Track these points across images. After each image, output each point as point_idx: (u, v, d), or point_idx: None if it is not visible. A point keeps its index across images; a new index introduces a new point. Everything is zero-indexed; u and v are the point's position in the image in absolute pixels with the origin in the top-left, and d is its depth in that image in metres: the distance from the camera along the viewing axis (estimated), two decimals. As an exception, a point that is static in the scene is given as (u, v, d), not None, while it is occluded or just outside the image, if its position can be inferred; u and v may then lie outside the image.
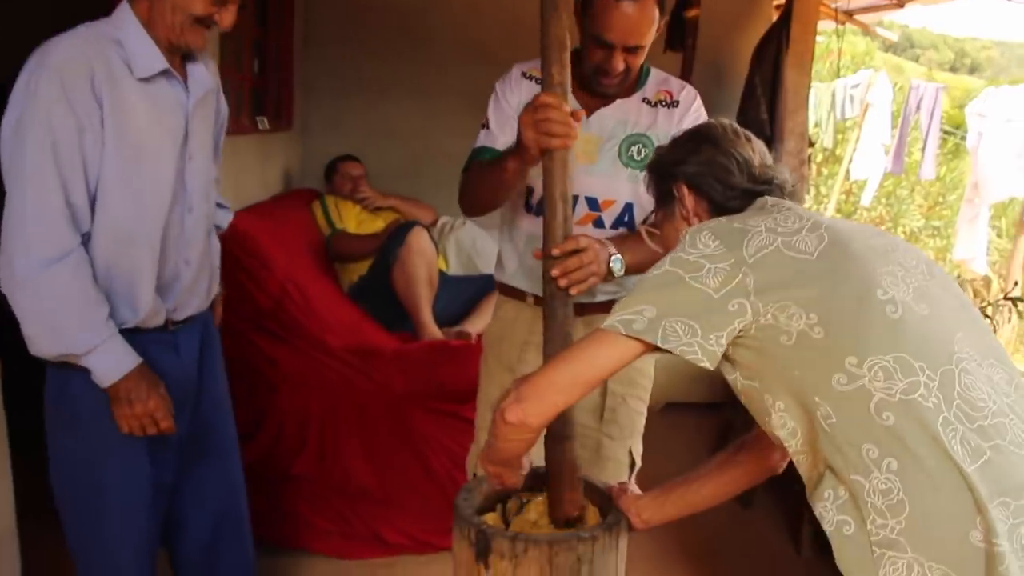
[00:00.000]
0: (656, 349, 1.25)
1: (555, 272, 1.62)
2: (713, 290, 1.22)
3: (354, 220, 3.74)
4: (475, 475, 2.07)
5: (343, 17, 4.51)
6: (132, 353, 1.67)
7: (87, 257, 1.62)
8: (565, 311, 1.65)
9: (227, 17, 1.67)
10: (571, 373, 1.31)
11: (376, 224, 3.74)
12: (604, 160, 1.93)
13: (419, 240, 3.37)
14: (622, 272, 1.75)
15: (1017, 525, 1.09)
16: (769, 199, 1.40)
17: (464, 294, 3.55)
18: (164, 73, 1.68)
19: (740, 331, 1.23)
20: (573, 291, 1.64)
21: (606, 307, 1.91)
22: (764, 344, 1.23)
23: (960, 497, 1.10)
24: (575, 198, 1.92)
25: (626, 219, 1.95)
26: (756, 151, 1.46)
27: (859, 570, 1.15)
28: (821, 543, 2.93)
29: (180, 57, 1.74)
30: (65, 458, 1.76)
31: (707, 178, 1.43)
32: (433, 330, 3.25)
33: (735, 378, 1.30)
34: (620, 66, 1.85)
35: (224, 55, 3.21)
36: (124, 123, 1.61)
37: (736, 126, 1.51)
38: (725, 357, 1.26)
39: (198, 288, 1.88)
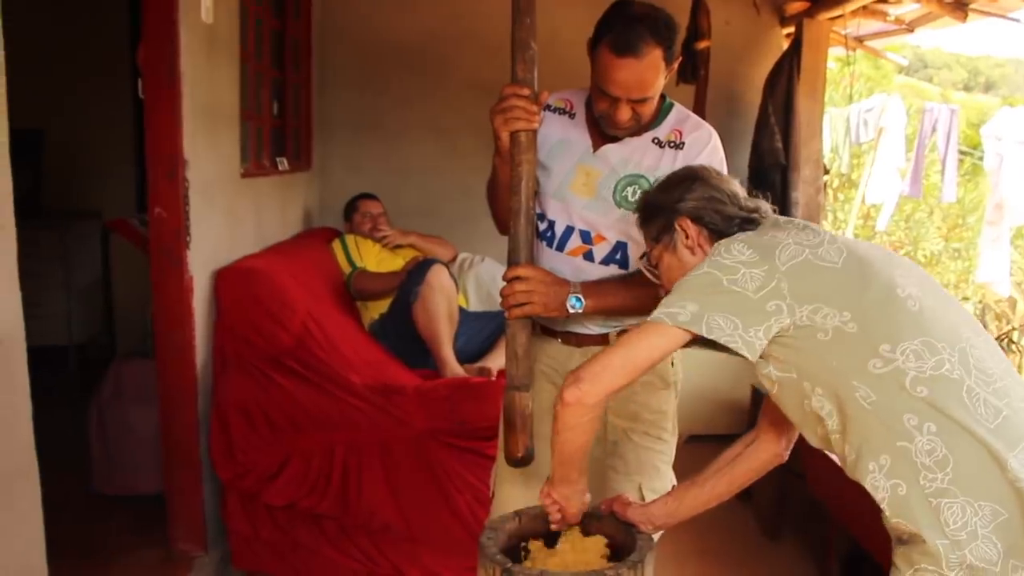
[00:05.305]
0: (699, 340, 1.42)
1: (501, 292, 1.83)
2: (751, 292, 1.39)
3: (374, 258, 3.77)
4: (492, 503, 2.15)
5: (359, 57, 4.60)
6: None
7: None
8: (513, 330, 1.84)
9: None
10: (623, 357, 1.46)
11: (396, 262, 3.77)
12: (600, 197, 1.94)
13: (439, 277, 3.38)
14: (580, 311, 1.85)
15: None
16: (781, 217, 1.60)
17: (485, 330, 3.55)
18: None
19: (779, 331, 1.39)
20: (508, 314, 1.83)
21: (600, 339, 2.00)
22: (802, 342, 1.39)
23: (989, 447, 1.29)
24: (570, 228, 1.97)
25: (618, 256, 1.96)
26: (737, 187, 1.66)
27: (923, 520, 1.30)
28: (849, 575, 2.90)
29: None
30: None
31: (707, 211, 1.60)
32: (454, 367, 3.25)
33: (768, 372, 1.45)
34: (626, 116, 1.84)
35: (244, 97, 3.28)
36: None
37: (716, 168, 1.74)
38: (759, 355, 1.42)
39: None
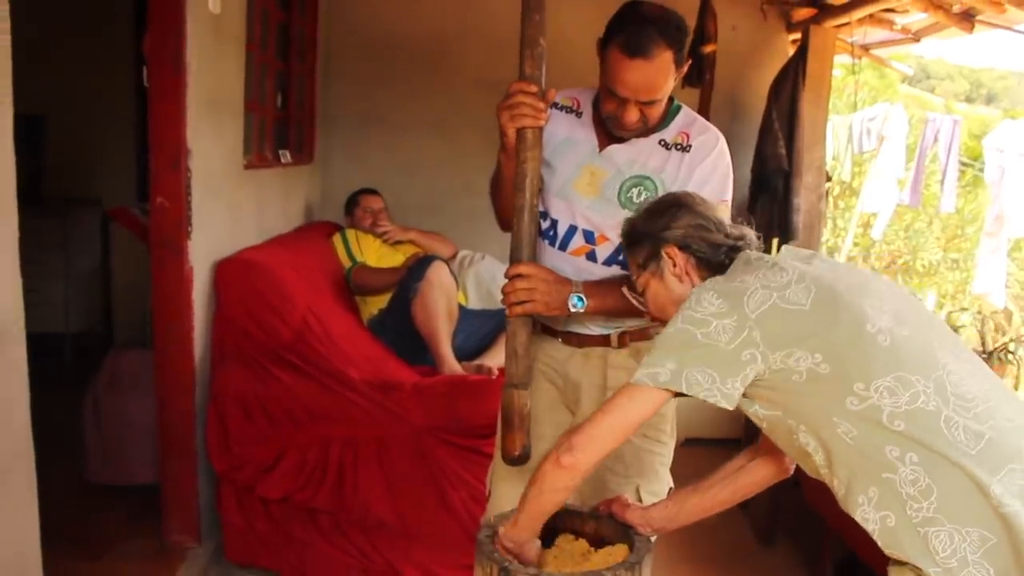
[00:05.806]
0: (681, 394, 1.45)
1: (503, 289, 1.83)
2: (724, 343, 1.41)
3: (374, 253, 3.76)
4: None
5: (364, 50, 4.58)
6: None
7: None
8: (514, 328, 1.83)
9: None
10: (610, 425, 1.49)
11: (396, 258, 3.76)
12: (604, 197, 1.94)
13: (439, 274, 3.38)
14: (582, 311, 1.84)
15: None
16: (752, 253, 1.60)
17: (484, 328, 3.55)
18: None
19: (755, 377, 1.42)
20: (508, 311, 1.82)
21: (601, 340, 2.00)
22: (779, 384, 1.42)
23: (970, 474, 1.30)
24: (573, 228, 1.97)
25: (621, 257, 1.94)
26: (722, 213, 1.69)
27: (913, 550, 1.31)
28: (844, 582, 2.90)
29: None
30: None
31: (694, 239, 1.61)
32: (453, 364, 3.25)
33: (755, 410, 1.48)
34: (633, 117, 1.84)
35: (248, 88, 3.27)
36: None
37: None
38: (744, 395, 1.45)
39: None
